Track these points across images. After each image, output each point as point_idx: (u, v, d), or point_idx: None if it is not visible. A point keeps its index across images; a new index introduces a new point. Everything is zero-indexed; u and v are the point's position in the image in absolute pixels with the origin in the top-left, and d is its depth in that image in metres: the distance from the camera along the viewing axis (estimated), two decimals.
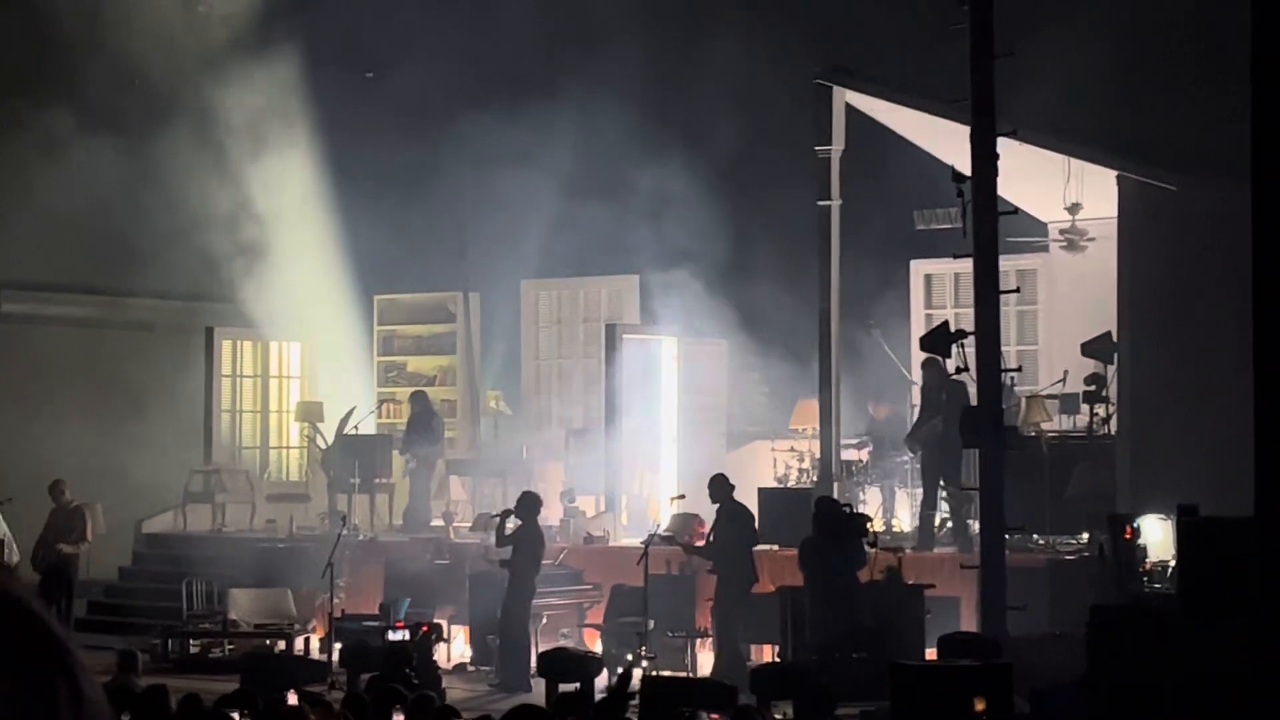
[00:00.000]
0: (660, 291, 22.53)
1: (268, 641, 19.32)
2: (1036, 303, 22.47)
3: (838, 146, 19.76)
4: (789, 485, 20.70)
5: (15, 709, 2.19)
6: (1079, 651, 13.65)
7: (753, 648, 17.58)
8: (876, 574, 16.52)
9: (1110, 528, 16.02)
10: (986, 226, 15.73)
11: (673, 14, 23.14)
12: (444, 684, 16.56)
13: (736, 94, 22.10)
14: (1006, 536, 15.83)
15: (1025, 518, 16.85)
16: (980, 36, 15.58)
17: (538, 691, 15.75)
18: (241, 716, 11.25)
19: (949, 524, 18.91)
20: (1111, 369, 19.12)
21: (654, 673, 16.13)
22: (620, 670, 15.57)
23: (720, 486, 17.63)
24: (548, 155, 22.01)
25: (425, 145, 22.91)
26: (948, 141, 17.69)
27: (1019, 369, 19.30)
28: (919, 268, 23.01)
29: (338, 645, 17.84)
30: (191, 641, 19.54)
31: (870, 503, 20.02)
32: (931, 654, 15.20)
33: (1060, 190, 19.64)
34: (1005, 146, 15.85)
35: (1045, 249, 21.96)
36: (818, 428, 20.09)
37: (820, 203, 19.83)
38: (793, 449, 21.40)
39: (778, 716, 13.96)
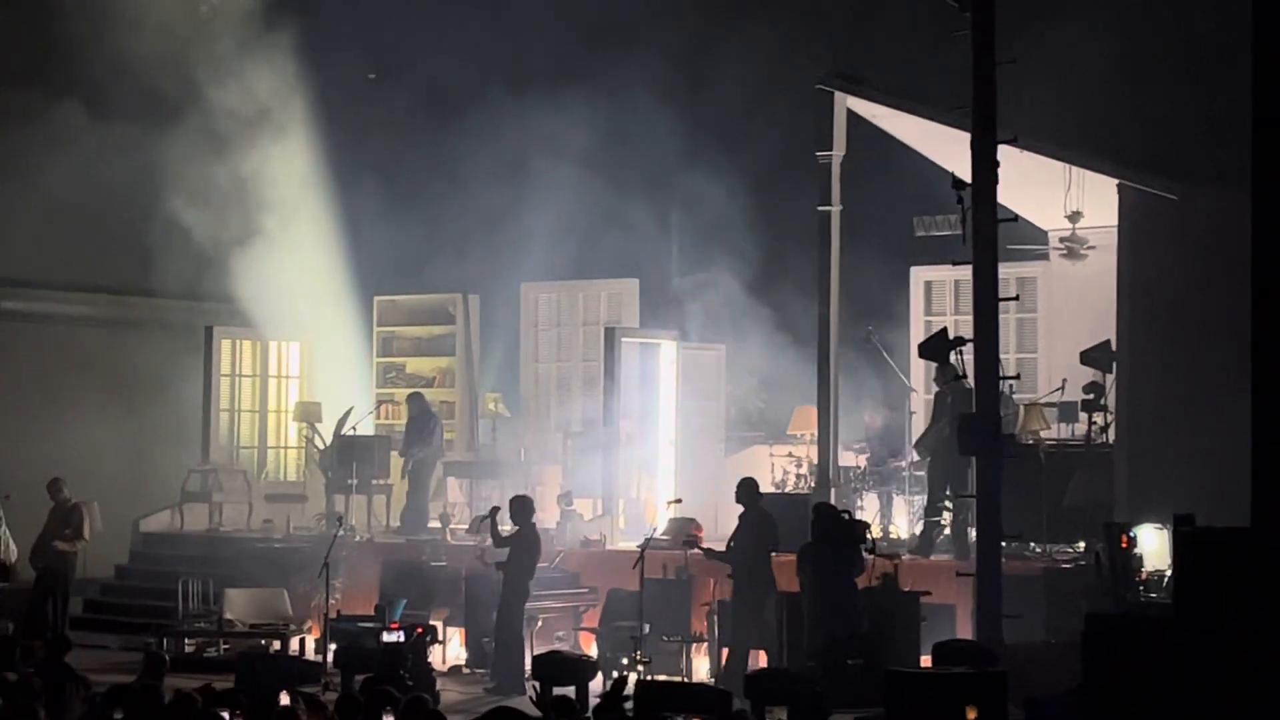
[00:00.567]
0: (660, 295, 22.51)
1: (263, 641, 19.31)
2: (1036, 310, 22.43)
3: (839, 152, 19.74)
4: (787, 491, 20.67)
5: None
6: (1074, 660, 13.61)
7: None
8: (873, 580, 16.49)
9: (1107, 536, 15.99)
10: (986, 233, 15.71)
11: (677, 18, 23.12)
12: (438, 686, 16.58)
13: (741, 98, 22.09)
14: (1003, 544, 15.81)
15: (1022, 525, 16.81)
16: (981, 43, 15.56)
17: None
18: (232, 716, 11.23)
19: (946, 531, 18.85)
20: (1110, 377, 19.08)
21: (649, 677, 16.10)
22: (615, 675, 15.54)
23: (749, 491, 17.40)
24: (548, 158, 22.01)
25: (427, 146, 22.92)
26: (948, 148, 17.66)
27: (1018, 376, 19.22)
28: (919, 274, 22.99)
29: (332, 646, 17.83)
30: (187, 641, 19.53)
31: (868, 509, 20.00)
32: (926, 661, 15.18)
33: (1060, 198, 19.62)
34: (1006, 154, 15.82)
35: (1045, 257, 21.93)
36: (816, 433, 20.06)
37: (821, 208, 19.79)
38: (791, 454, 21.37)
39: None
